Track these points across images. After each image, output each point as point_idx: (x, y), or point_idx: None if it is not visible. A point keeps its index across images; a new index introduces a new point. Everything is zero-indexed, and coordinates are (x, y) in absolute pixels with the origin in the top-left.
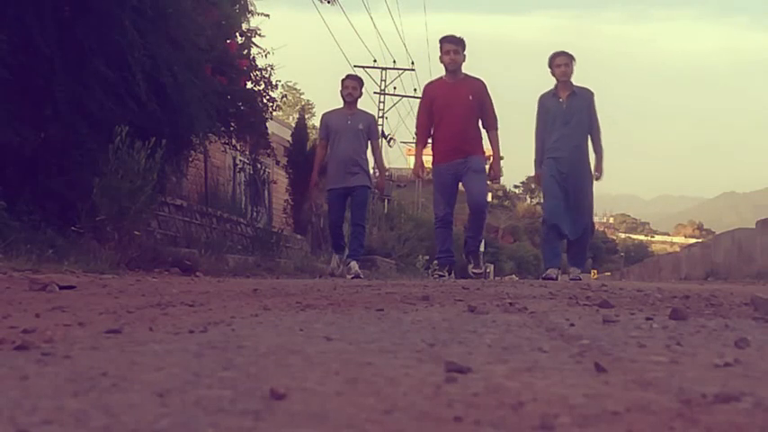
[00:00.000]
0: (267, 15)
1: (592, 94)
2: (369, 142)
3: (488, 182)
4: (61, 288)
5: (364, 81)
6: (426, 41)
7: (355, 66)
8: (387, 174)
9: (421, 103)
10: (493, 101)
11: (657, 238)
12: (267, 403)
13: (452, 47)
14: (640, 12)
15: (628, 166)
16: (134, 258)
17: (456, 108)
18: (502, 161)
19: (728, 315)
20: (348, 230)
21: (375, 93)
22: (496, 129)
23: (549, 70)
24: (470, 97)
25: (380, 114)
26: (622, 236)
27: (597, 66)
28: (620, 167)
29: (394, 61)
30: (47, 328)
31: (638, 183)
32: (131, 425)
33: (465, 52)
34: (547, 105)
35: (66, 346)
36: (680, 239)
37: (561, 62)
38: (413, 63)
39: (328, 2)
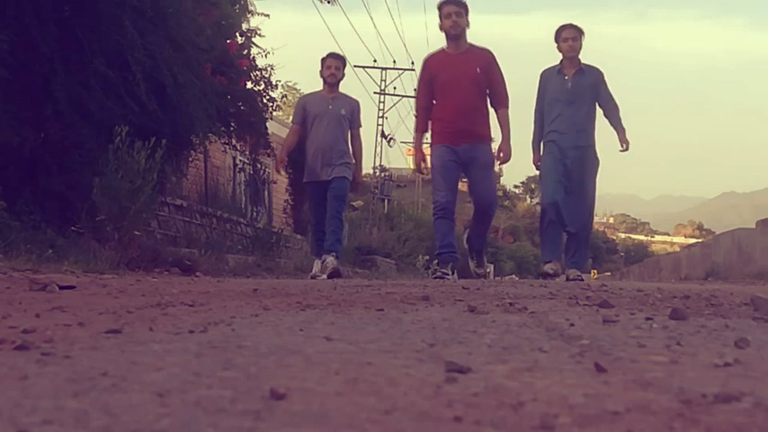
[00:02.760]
0: (267, 15)
1: (601, 73)
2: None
3: (497, 164)
4: (61, 288)
5: (347, 60)
6: (426, 41)
7: (355, 66)
8: (387, 174)
9: (420, 79)
10: (503, 75)
11: (657, 238)
12: (267, 403)
13: (454, 8)
14: (641, 12)
15: (628, 166)
16: (134, 258)
17: (461, 83)
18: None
19: (728, 315)
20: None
21: (375, 93)
22: (507, 107)
23: (555, 45)
24: (477, 70)
25: (380, 114)
26: (622, 236)
27: (597, 65)
28: (620, 167)
29: (394, 61)
30: (47, 328)
31: (638, 183)
32: (131, 425)
33: (468, 17)
34: (550, 82)
35: (66, 346)
36: (680, 239)
37: (568, 36)
38: (413, 63)
39: (328, 2)
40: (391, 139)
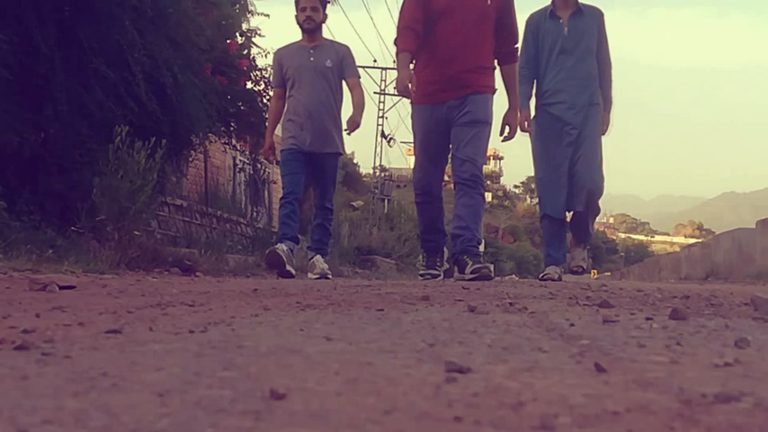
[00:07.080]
0: (267, 15)
1: (601, 13)
2: (343, 82)
3: (500, 139)
4: (61, 288)
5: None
6: None
7: None
8: (387, 174)
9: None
10: (517, 18)
11: (657, 238)
12: (267, 403)
13: None
14: (641, 12)
15: (628, 166)
16: (134, 258)
17: (464, 11)
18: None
19: (728, 315)
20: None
21: (375, 93)
22: (516, 61)
23: None
24: (488, 1)
25: (380, 114)
26: (622, 236)
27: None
28: (620, 167)
29: (394, 61)
30: (47, 328)
31: (638, 183)
32: (131, 425)
33: None
34: (541, 28)
35: (66, 346)
36: (680, 239)
37: None
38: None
39: (328, 2)
40: (391, 139)
